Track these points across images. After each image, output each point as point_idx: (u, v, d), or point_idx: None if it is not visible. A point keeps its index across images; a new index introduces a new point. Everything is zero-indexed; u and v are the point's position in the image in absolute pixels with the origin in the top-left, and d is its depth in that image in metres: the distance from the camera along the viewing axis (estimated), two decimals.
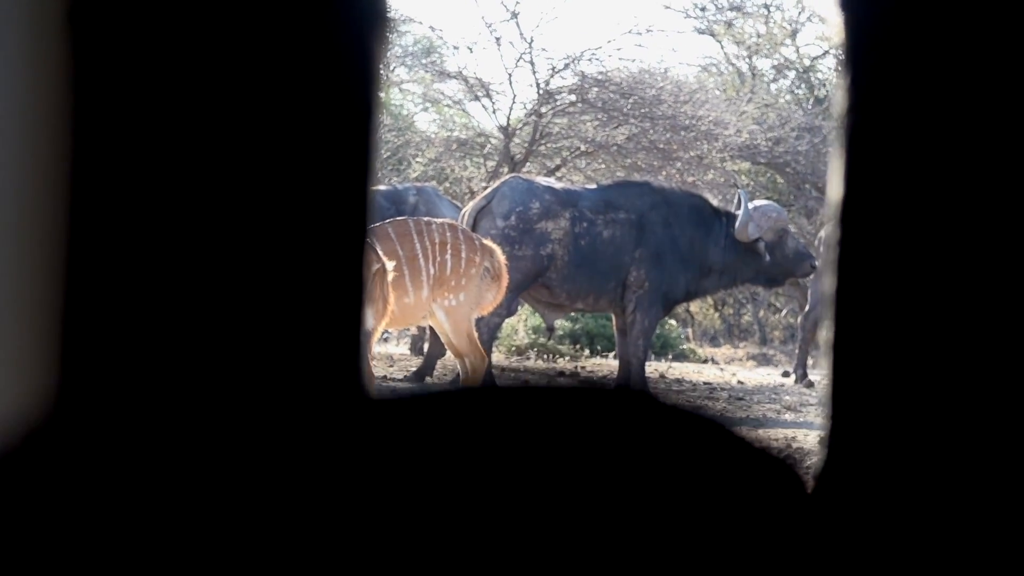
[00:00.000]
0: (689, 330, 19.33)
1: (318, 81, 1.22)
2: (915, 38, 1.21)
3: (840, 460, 1.26)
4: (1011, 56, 1.20)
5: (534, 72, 17.00)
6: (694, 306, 19.39)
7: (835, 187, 1.27)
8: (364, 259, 1.29)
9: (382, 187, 12.66)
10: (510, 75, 17.14)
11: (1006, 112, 1.21)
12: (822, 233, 12.75)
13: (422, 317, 7.76)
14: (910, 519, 1.25)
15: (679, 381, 12.45)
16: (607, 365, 13.49)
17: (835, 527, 1.25)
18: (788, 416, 9.50)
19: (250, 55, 1.21)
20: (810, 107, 20.07)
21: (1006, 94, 1.20)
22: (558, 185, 10.71)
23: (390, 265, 6.60)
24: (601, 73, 16.84)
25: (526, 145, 16.94)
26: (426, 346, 11.65)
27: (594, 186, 10.97)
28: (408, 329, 13.62)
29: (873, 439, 1.25)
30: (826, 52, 21.51)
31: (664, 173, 16.18)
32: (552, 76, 16.95)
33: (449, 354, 9.28)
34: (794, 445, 7.22)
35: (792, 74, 21.91)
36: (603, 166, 17.31)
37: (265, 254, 1.27)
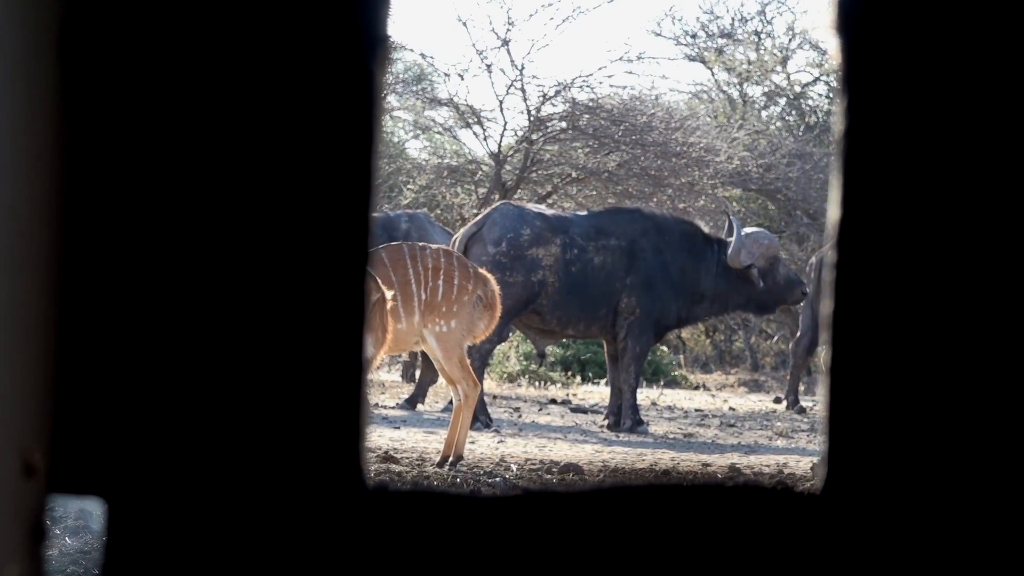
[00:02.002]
0: (680, 356, 19.33)
1: (318, 106, 1.23)
2: (910, 62, 1.22)
3: (839, 479, 1.27)
4: (1006, 81, 1.21)
5: (525, 99, 17.05)
6: (685, 333, 19.39)
7: (832, 210, 1.27)
8: (365, 287, 1.29)
9: (374, 214, 12.65)
10: (501, 102, 17.19)
11: (1002, 134, 1.21)
12: (813, 259, 12.77)
13: (414, 343, 7.74)
14: (910, 535, 1.25)
15: (671, 408, 12.44)
16: (598, 392, 13.47)
17: (837, 545, 1.26)
18: (780, 442, 9.50)
19: (249, 80, 1.22)
20: (801, 134, 20.13)
21: (1002, 116, 1.21)
22: (549, 212, 10.72)
23: (389, 294, 6.60)
24: (592, 100, 16.88)
25: (517, 172, 16.96)
26: (418, 373, 11.64)
27: (585, 213, 10.98)
28: (400, 356, 13.61)
29: (871, 458, 1.25)
30: (817, 79, 21.60)
31: (655, 200, 16.20)
32: (543, 103, 16.99)
33: (441, 381, 9.27)
34: (786, 471, 7.21)
35: (783, 101, 21.99)
36: (594, 193, 17.33)
37: (263, 280, 1.27)
